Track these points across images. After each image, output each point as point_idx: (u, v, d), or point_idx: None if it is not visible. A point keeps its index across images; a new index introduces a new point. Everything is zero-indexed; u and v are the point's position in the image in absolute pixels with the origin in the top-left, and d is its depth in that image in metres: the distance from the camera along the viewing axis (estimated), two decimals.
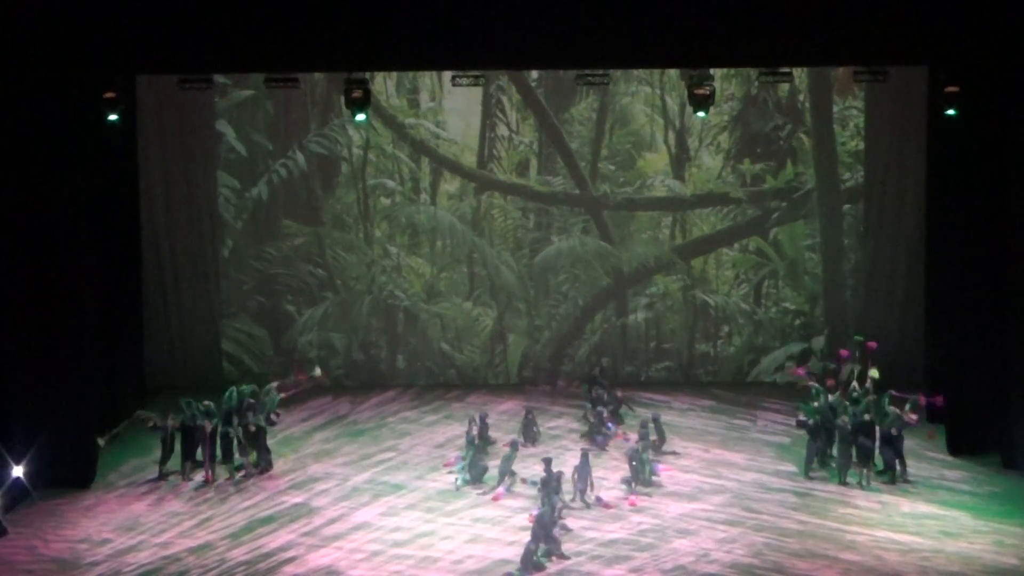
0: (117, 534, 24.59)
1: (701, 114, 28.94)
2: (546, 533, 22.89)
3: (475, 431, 27.73)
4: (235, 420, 27.51)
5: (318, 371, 29.95)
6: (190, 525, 24.96)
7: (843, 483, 26.43)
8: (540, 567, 22.45)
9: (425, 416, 31.54)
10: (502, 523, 24.75)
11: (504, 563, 22.86)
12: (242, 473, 27.34)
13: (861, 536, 23.97)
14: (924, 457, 27.72)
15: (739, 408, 31.74)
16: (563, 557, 22.82)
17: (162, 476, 27.33)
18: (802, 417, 27.37)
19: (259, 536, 24.36)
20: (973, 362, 28.21)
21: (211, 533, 24.52)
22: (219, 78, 32.15)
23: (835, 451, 27.01)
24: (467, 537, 24.12)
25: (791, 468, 27.43)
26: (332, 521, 25.12)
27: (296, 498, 26.33)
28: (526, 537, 23.35)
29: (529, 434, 28.95)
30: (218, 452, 27.25)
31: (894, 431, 26.78)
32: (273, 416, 28.17)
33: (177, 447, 27.45)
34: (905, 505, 25.49)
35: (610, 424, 28.98)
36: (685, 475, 27.22)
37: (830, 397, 27.81)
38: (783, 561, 23.01)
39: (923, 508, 25.33)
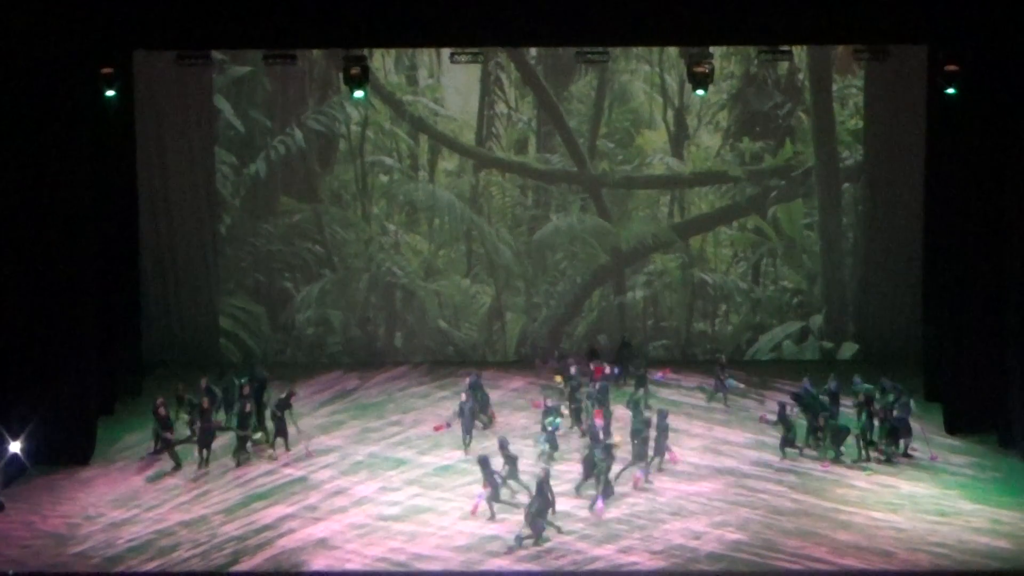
0: (113, 508, 24.69)
1: (700, 92, 28.93)
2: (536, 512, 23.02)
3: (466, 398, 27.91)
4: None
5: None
6: (187, 499, 25.03)
7: (836, 458, 26.44)
8: (538, 527, 22.64)
9: (433, 392, 31.53)
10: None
11: (493, 539, 22.93)
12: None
13: (857, 516, 23.97)
14: (925, 438, 27.59)
15: (749, 388, 31.35)
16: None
17: (157, 452, 27.30)
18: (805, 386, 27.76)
19: (254, 511, 24.43)
20: (971, 341, 28.21)
21: (206, 507, 24.59)
22: (217, 54, 32.14)
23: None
24: (461, 514, 24.14)
25: (793, 448, 27.38)
26: (330, 495, 25.21)
27: (296, 472, 26.39)
28: (519, 515, 23.45)
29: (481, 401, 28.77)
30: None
31: (895, 411, 26.82)
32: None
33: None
34: (904, 486, 25.45)
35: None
36: (686, 453, 27.27)
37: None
38: (774, 538, 23.02)
39: (921, 490, 25.29)
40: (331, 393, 31.48)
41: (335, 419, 29.65)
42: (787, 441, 26.80)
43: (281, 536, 23.22)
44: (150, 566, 22.14)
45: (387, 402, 30.92)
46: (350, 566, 22.17)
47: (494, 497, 23.76)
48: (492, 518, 23.61)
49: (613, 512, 24.12)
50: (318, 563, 22.20)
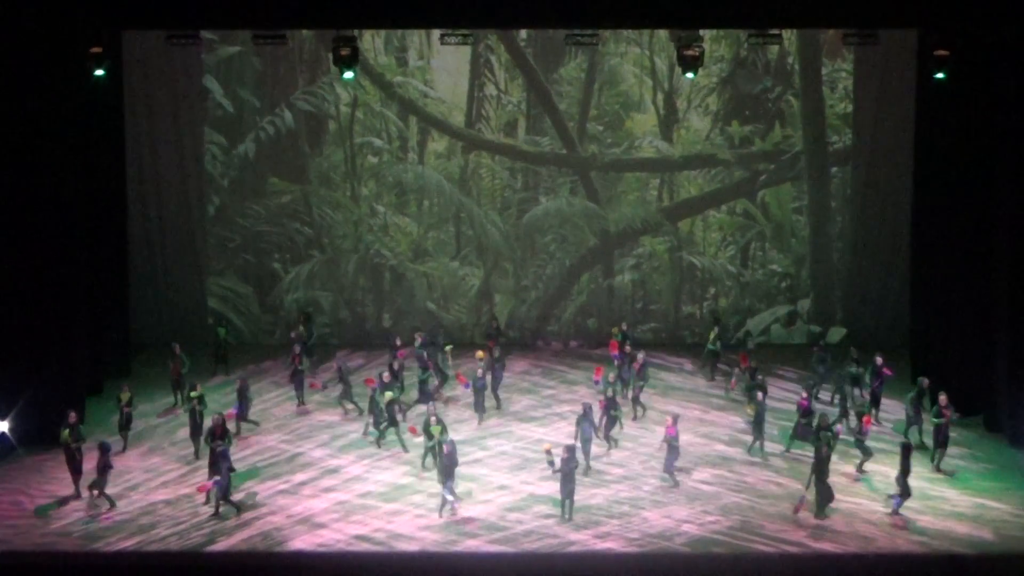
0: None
1: (690, 75, 28.84)
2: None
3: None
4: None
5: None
6: (174, 478, 25.05)
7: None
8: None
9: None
10: (480, 480, 24.92)
11: (469, 521, 23.00)
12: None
13: (842, 502, 23.96)
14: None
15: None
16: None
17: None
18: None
19: (240, 489, 24.47)
20: (958, 325, 28.28)
21: (192, 486, 24.58)
22: (206, 34, 32.02)
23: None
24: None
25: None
26: (319, 474, 25.34)
27: (290, 450, 26.57)
28: (501, 498, 23.76)
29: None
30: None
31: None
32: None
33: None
34: (893, 473, 25.11)
35: None
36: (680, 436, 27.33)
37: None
38: (754, 521, 23.07)
39: (910, 479, 25.10)
40: (333, 372, 31.39)
41: (334, 394, 29.63)
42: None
43: (261, 517, 23.30)
44: (128, 543, 22.29)
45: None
46: (327, 543, 22.23)
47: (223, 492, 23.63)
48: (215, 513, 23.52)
49: (595, 498, 24.14)
50: (298, 541, 22.27)
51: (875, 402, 27.95)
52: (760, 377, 27.89)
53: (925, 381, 26.97)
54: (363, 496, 24.19)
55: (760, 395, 26.61)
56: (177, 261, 33.74)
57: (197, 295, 33.84)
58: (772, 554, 21.93)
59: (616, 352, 29.43)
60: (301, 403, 29.16)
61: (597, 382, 28.10)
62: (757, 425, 26.26)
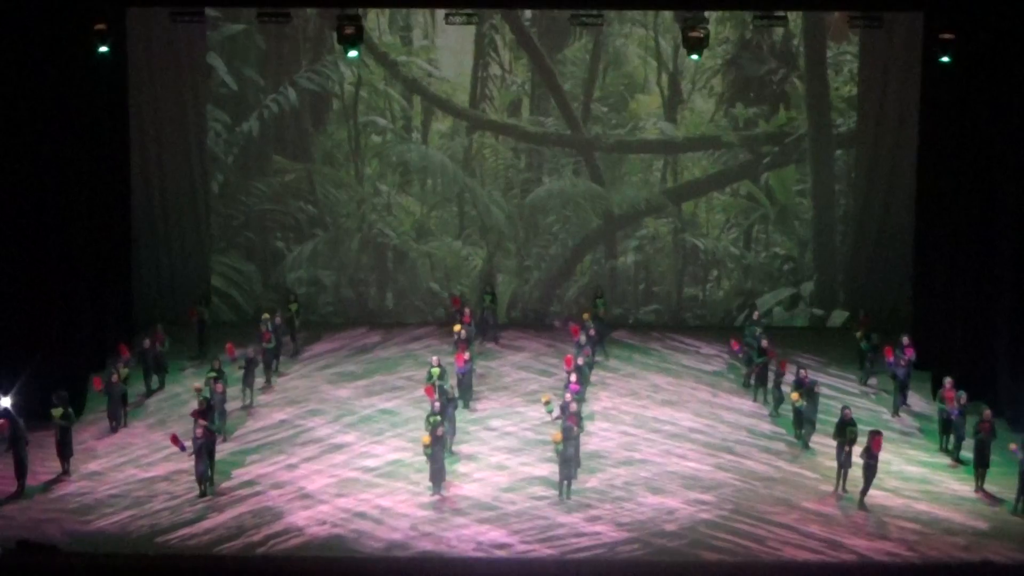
0: (99, 463, 24.92)
1: (695, 57, 28.83)
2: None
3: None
4: None
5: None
6: (175, 453, 24.93)
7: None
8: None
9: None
10: (479, 460, 24.96)
11: (465, 499, 23.05)
12: None
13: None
14: (923, 413, 27.58)
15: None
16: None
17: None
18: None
19: (240, 465, 24.65)
20: (961, 309, 28.25)
21: (191, 461, 24.54)
22: (211, 11, 31.95)
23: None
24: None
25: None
26: (326, 450, 25.43)
27: (296, 423, 26.76)
28: (497, 478, 23.78)
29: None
30: None
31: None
32: None
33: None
34: (895, 463, 25.19)
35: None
36: (682, 416, 27.42)
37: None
38: (743, 504, 23.05)
39: (911, 467, 25.12)
40: (350, 349, 31.60)
41: (347, 371, 29.89)
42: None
43: (258, 493, 23.43)
44: (121, 516, 22.45)
45: (406, 357, 31.10)
46: (319, 518, 22.32)
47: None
48: None
49: (591, 482, 24.12)
50: (292, 517, 22.35)
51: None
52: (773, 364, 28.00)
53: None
54: (363, 472, 24.23)
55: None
56: (180, 239, 33.73)
57: (200, 273, 33.83)
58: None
59: (578, 337, 29.21)
60: (268, 382, 29.08)
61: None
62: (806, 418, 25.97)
